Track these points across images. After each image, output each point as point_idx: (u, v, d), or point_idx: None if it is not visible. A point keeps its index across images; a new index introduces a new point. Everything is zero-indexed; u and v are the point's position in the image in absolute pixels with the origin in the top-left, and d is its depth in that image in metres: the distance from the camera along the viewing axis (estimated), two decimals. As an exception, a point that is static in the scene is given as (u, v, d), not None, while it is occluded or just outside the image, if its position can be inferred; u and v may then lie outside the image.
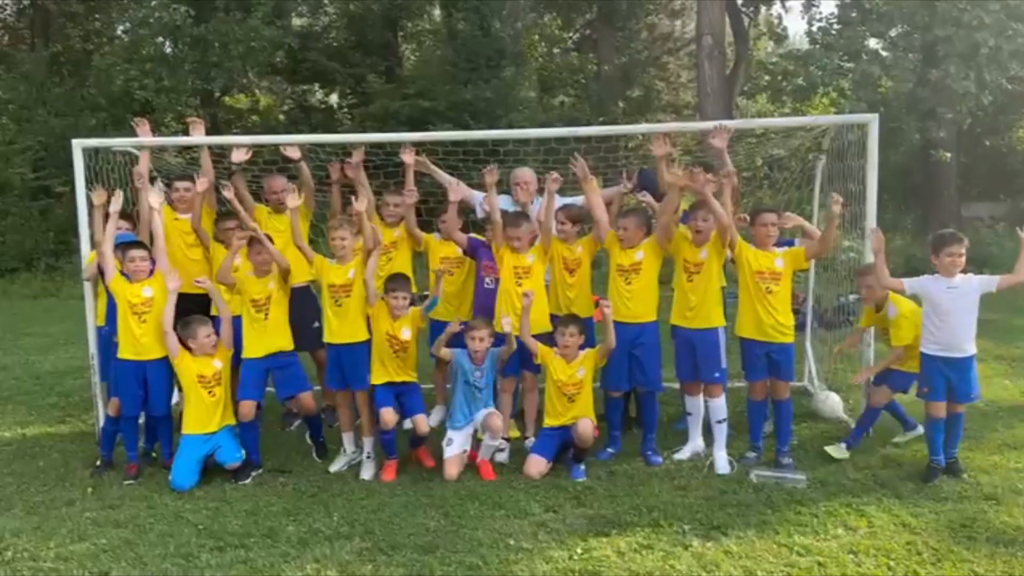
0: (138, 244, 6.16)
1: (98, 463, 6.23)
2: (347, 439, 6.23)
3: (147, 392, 6.04)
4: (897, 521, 4.98)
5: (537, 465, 5.83)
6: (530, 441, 6.29)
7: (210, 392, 5.97)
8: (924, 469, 5.71)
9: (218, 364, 6.01)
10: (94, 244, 6.50)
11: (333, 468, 6.09)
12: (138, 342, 5.98)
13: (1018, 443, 6.32)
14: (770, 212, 6.04)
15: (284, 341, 6.19)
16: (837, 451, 6.00)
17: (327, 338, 6.16)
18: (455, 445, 5.96)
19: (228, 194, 6.48)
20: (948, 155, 17.34)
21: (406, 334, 6.03)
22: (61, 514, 5.41)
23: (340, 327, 6.08)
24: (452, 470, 5.83)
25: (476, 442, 6.12)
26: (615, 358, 6.05)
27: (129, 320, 5.98)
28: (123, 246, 6.15)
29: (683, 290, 6.09)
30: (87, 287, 6.68)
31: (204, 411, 5.97)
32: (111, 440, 6.27)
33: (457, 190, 6.57)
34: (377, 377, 6.03)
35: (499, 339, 6.05)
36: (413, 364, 6.18)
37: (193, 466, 5.86)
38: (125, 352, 6.02)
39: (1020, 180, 21.78)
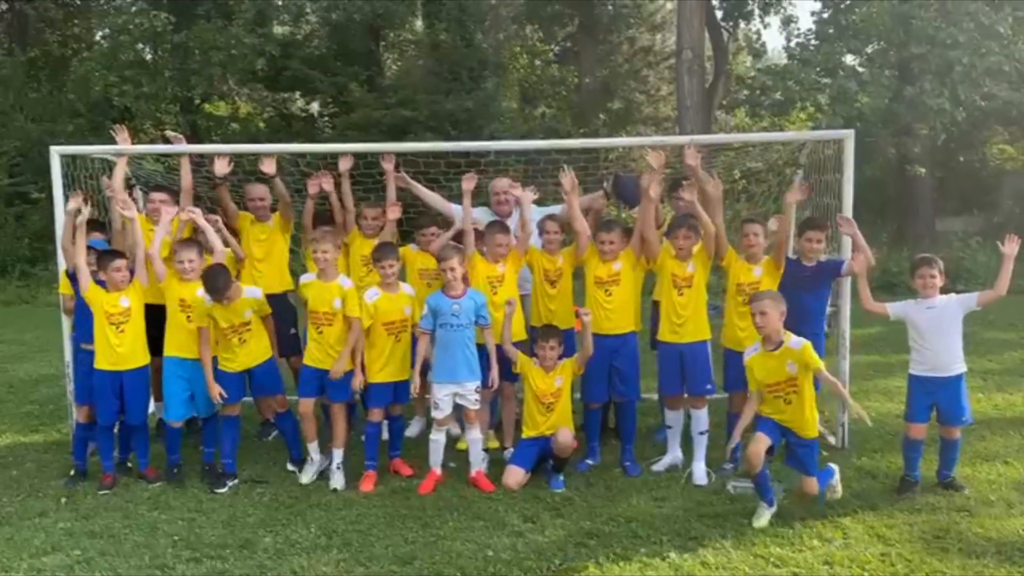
0: (118, 254, 6.09)
1: (72, 472, 6.16)
2: (313, 448, 6.14)
3: (123, 402, 5.99)
4: (871, 532, 5.04)
5: (515, 475, 5.84)
6: (508, 451, 6.30)
7: (189, 318, 6.00)
8: (898, 482, 5.77)
9: (201, 292, 5.94)
10: (66, 257, 6.38)
11: (304, 479, 6.04)
12: (115, 352, 5.92)
13: (990, 455, 6.41)
14: (752, 223, 6.07)
15: (261, 354, 6.16)
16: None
17: (307, 361, 6.09)
18: (443, 409, 5.93)
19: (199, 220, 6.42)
20: (923, 170, 17.59)
21: (407, 311, 6.04)
22: (34, 524, 5.35)
23: (321, 355, 6.02)
24: (441, 423, 5.95)
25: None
26: (596, 371, 6.08)
27: (106, 330, 5.91)
28: (102, 254, 6.08)
29: (672, 304, 6.08)
30: (62, 298, 6.62)
31: (184, 336, 6.04)
32: (83, 448, 6.21)
33: (464, 223, 6.56)
34: (375, 375, 6.00)
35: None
36: (408, 353, 6.11)
37: (183, 398, 6.06)
38: (102, 363, 5.95)
39: (993, 195, 22.11)
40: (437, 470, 5.93)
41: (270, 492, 5.85)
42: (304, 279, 6.13)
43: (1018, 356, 9.73)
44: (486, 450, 6.25)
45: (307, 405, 6.08)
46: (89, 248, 6.21)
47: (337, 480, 5.92)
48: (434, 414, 5.97)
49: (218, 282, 5.74)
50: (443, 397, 5.91)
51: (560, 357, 6.01)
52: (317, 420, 6.23)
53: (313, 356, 6.04)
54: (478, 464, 5.96)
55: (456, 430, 6.75)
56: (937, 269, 5.67)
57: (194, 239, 6.26)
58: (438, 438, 5.94)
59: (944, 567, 4.59)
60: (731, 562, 4.69)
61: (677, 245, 6.03)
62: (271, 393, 6.29)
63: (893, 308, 5.81)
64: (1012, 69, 15.65)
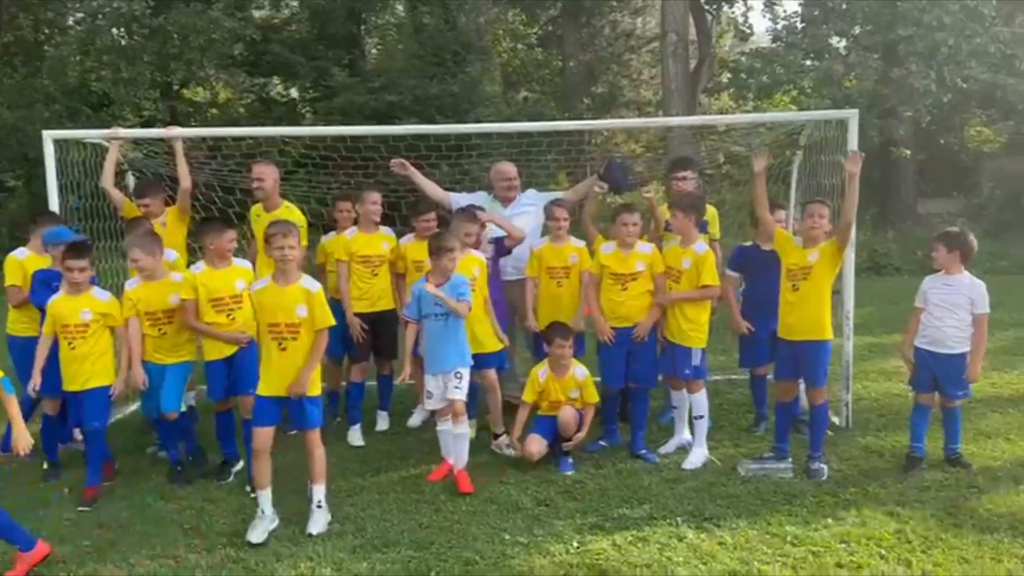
0: (85, 250, 5.58)
1: (44, 466, 5.93)
2: (264, 498, 5.02)
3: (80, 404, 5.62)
4: (884, 510, 5.06)
5: (538, 443, 5.81)
6: (503, 438, 6.23)
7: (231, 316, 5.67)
8: (904, 459, 5.81)
9: (174, 300, 5.62)
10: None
11: (254, 537, 4.80)
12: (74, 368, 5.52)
13: (992, 432, 6.48)
14: (820, 203, 5.77)
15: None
16: None
17: (265, 392, 4.97)
18: (435, 399, 5.72)
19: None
20: (908, 152, 17.72)
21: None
22: (39, 516, 5.24)
23: (285, 378, 4.94)
24: (441, 414, 5.76)
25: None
26: (612, 357, 6.05)
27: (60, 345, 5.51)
28: (69, 248, 5.56)
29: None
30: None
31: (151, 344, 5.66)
32: (53, 440, 5.97)
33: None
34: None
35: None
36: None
37: (181, 389, 5.76)
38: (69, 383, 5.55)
39: (973, 177, 22.34)
40: (450, 459, 5.74)
41: (275, 481, 5.70)
42: (258, 285, 5.14)
43: (1011, 335, 9.85)
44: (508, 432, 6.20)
45: (265, 437, 4.98)
46: (52, 240, 5.95)
47: (316, 524, 4.97)
48: (428, 405, 5.86)
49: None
50: (434, 387, 5.72)
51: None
52: (268, 459, 5.07)
53: (272, 383, 4.94)
54: (462, 462, 5.62)
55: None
56: (941, 243, 5.73)
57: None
58: (445, 428, 5.76)
59: (960, 543, 4.62)
60: (748, 541, 4.69)
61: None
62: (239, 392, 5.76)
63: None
64: (997, 51, 15.75)
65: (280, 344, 4.91)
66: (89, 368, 5.52)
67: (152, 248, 5.61)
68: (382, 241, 6.70)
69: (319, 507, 5.05)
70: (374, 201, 6.68)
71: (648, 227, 6.41)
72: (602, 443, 6.20)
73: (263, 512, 4.99)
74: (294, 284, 4.92)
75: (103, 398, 5.56)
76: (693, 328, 5.97)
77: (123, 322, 5.59)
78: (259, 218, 6.67)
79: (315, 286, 4.97)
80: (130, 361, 5.57)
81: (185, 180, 6.55)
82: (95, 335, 5.53)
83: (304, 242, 6.72)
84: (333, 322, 5.05)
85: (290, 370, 4.91)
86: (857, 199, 5.54)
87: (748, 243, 6.64)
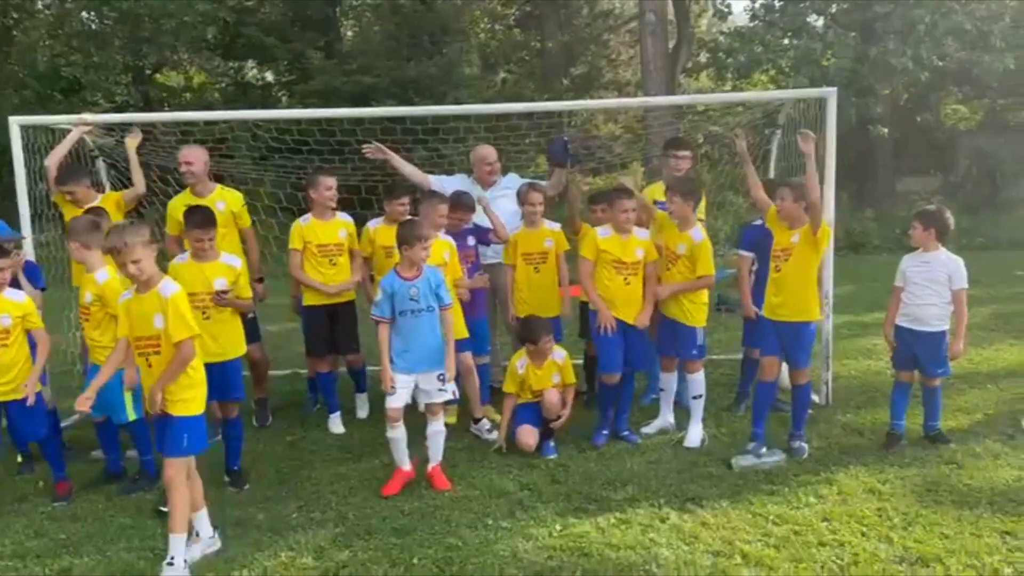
0: (3, 249, 5.19)
1: (20, 460, 5.82)
2: (200, 520, 4.57)
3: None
4: (865, 488, 5.08)
5: (533, 435, 5.76)
6: (483, 422, 6.20)
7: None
8: (884, 436, 5.84)
9: (87, 298, 5.22)
10: None
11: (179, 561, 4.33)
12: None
13: (970, 408, 6.52)
14: (784, 186, 5.62)
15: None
16: None
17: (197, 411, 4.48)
18: (399, 396, 5.23)
19: None
20: (885, 131, 17.77)
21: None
22: (14, 510, 5.18)
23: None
24: (395, 418, 5.24)
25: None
26: (611, 344, 5.89)
27: None
28: None
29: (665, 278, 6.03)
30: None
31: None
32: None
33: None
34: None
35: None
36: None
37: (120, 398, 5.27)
38: None
39: (949, 154, 22.47)
40: (405, 466, 5.31)
41: (255, 470, 5.68)
42: (125, 296, 4.50)
43: (986, 311, 9.93)
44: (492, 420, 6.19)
45: (170, 467, 4.38)
46: None
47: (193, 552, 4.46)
48: (389, 401, 5.23)
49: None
50: (402, 385, 5.24)
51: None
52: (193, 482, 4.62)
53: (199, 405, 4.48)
54: (436, 459, 5.38)
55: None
56: (918, 221, 5.73)
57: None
58: (395, 436, 5.26)
59: (940, 519, 4.65)
60: (731, 521, 4.69)
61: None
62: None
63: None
64: (973, 28, 15.77)
65: (147, 361, 4.36)
66: (16, 377, 5.15)
67: (72, 240, 5.20)
68: (339, 228, 6.38)
69: (196, 535, 4.49)
70: (328, 187, 6.31)
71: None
72: (605, 432, 6.01)
73: (198, 534, 4.51)
74: (152, 291, 4.30)
75: (37, 406, 5.19)
76: (695, 307, 5.95)
77: (42, 324, 5.28)
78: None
79: (169, 290, 4.30)
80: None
81: (140, 185, 6.43)
82: (17, 342, 5.13)
83: (248, 222, 6.59)
84: (188, 334, 4.28)
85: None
86: (816, 179, 5.36)
87: (757, 222, 6.44)
